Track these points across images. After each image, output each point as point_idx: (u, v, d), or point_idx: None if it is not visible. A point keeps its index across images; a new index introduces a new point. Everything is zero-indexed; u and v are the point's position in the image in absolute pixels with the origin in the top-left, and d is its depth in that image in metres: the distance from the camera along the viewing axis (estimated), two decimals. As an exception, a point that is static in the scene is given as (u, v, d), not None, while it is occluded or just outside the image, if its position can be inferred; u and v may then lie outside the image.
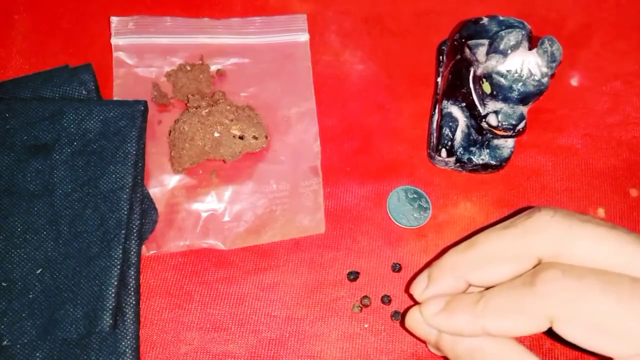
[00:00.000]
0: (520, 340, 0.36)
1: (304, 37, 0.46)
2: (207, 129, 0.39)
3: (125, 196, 0.38)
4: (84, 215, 0.37)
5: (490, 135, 0.39)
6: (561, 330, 0.27)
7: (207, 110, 0.40)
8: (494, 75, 0.35)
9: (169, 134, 0.41)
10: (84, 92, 0.42)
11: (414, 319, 0.33)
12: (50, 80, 0.42)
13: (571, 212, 0.30)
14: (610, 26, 0.48)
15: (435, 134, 0.42)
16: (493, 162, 0.40)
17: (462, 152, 0.40)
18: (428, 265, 0.35)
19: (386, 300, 0.39)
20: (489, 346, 0.30)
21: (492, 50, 0.35)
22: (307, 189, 0.41)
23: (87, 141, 0.39)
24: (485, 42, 0.36)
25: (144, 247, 0.39)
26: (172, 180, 0.41)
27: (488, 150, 0.40)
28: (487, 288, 0.31)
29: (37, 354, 0.34)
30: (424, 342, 0.36)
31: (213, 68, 0.44)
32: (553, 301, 0.27)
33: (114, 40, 0.44)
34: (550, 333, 0.28)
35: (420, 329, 0.33)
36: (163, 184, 0.40)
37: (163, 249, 0.39)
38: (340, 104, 0.44)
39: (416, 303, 0.34)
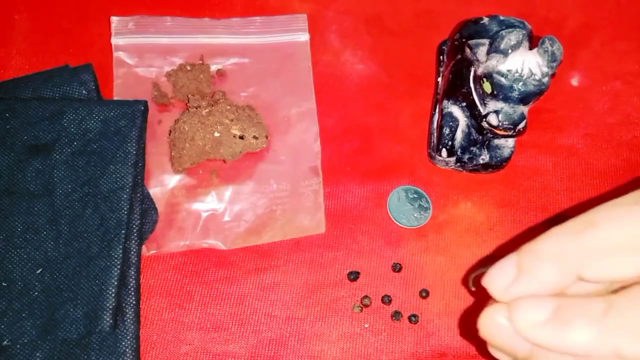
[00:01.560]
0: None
1: (304, 37, 0.46)
2: (207, 129, 0.39)
3: (125, 196, 0.38)
4: (84, 215, 0.37)
5: (491, 135, 0.39)
6: None
7: (207, 110, 0.40)
8: (495, 75, 0.35)
9: (169, 134, 0.41)
10: (84, 92, 0.42)
11: (496, 324, 0.24)
12: (50, 80, 0.42)
13: None
14: (610, 26, 0.48)
15: (435, 134, 0.42)
16: (493, 162, 0.40)
17: (462, 152, 0.40)
18: (489, 261, 0.28)
19: (386, 300, 0.39)
20: None
21: (493, 49, 0.35)
22: (307, 189, 0.41)
23: (87, 141, 0.39)
24: (486, 41, 0.36)
25: (144, 247, 0.39)
26: (172, 180, 0.41)
27: (488, 150, 0.40)
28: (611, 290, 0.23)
29: (37, 354, 0.34)
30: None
31: (213, 68, 0.44)
32: None
33: (114, 40, 0.44)
34: None
35: (503, 338, 0.24)
36: (163, 183, 0.40)
37: (163, 249, 0.39)
38: (340, 104, 0.44)
39: (480, 299, 0.27)
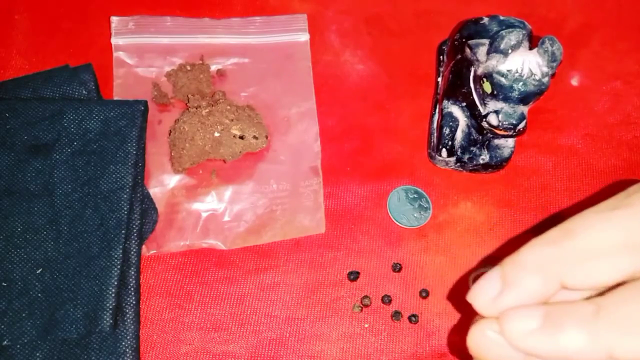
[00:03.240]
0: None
1: (304, 37, 0.46)
2: (207, 129, 0.39)
3: (125, 196, 0.38)
4: (84, 215, 0.37)
5: (491, 135, 0.39)
6: None
7: (207, 110, 0.40)
8: (495, 75, 0.35)
9: (169, 134, 0.41)
10: (84, 92, 0.42)
11: (485, 339, 0.24)
12: (50, 80, 0.42)
13: None
14: (610, 26, 0.48)
15: (435, 134, 0.42)
16: (493, 162, 0.40)
17: (462, 152, 0.40)
18: (481, 265, 0.28)
19: (386, 300, 0.39)
20: None
21: (493, 49, 0.35)
22: (308, 189, 0.41)
23: (87, 141, 0.39)
24: (486, 41, 0.36)
25: (144, 247, 0.39)
26: (172, 180, 0.41)
27: (488, 150, 0.40)
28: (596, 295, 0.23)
29: (37, 354, 0.34)
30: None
31: (213, 68, 0.44)
32: None
33: (114, 40, 0.44)
34: None
35: (495, 352, 0.24)
36: (163, 184, 0.40)
37: (163, 248, 0.39)
38: (340, 104, 0.44)
39: (465, 313, 0.27)
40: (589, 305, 0.22)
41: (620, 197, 0.24)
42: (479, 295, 0.24)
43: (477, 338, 0.24)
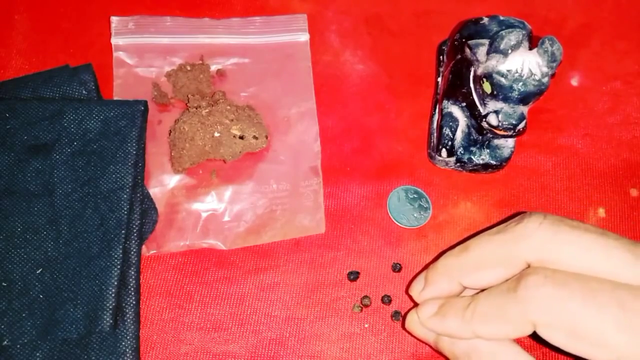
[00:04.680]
0: (521, 339, 0.36)
1: (304, 37, 0.46)
2: (207, 129, 0.39)
3: (125, 196, 0.38)
4: (84, 215, 0.37)
5: (491, 135, 0.39)
6: (544, 335, 0.28)
7: (207, 110, 0.40)
8: (495, 75, 0.35)
9: (169, 134, 0.41)
10: (84, 92, 0.42)
11: (412, 321, 0.34)
12: (50, 80, 0.42)
13: (562, 218, 0.30)
14: (610, 26, 0.48)
15: (435, 134, 0.42)
16: (493, 162, 0.40)
17: (462, 152, 0.40)
18: (427, 266, 0.35)
19: (386, 300, 0.39)
20: (484, 347, 0.30)
21: (493, 50, 0.35)
22: (307, 189, 0.41)
23: (87, 141, 0.39)
24: (486, 41, 0.36)
25: (144, 247, 0.39)
26: (172, 180, 0.41)
27: (488, 150, 0.40)
28: (482, 290, 0.31)
29: (37, 354, 0.34)
30: (425, 343, 0.36)
31: (213, 68, 0.44)
32: (534, 307, 0.27)
33: (114, 40, 0.44)
34: (538, 336, 0.28)
35: (418, 331, 0.34)
36: (163, 184, 0.40)
37: (163, 249, 0.39)
38: (340, 104, 0.44)
39: (416, 304, 0.34)
40: (466, 300, 0.31)
41: (502, 225, 0.31)
42: (412, 290, 0.35)
43: (408, 320, 0.34)
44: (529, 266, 0.29)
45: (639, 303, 0.26)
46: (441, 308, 0.32)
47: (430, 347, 0.35)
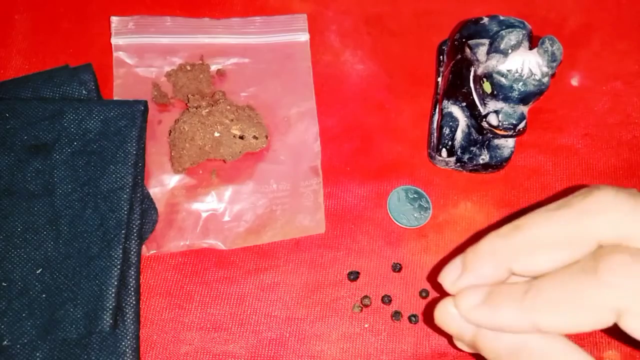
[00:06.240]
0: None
1: (304, 37, 0.46)
2: (207, 129, 0.39)
3: (125, 196, 0.38)
4: (84, 215, 0.37)
5: (491, 135, 0.39)
6: (631, 327, 0.23)
7: (207, 110, 0.40)
8: (495, 75, 0.35)
9: (169, 134, 0.41)
10: (84, 92, 0.42)
11: (446, 313, 0.28)
12: (50, 80, 0.42)
13: (635, 190, 0.26)
14: (610, 26, 0.48)
15: (435, 134, 0.42)
16: (493, 162, 0.40)
17: (462, 152, 0.40)
18: (441, 263, 0.32)
19: (386, 300, 0.39)
20: (536, 344, 0.26)
21: (493, 49, 0.35)
22: (307, 189, 0.41)
23: (87, 141, 0.39)
24: (486, 41, 0.36)
25: (144, 247, 0.39)
26: (172, 180, 0.41)
27: (488, 150, 0.40)
28: (534, 278, 0.27)
29: (37, 354, 0.34)
30: (449, 337, 0.32)
31: (213, 68, 0.44)
32: (622, 292, 0.23)
33: (114, 40, 0.44)
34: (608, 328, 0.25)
35: (453, 324, 0.28)
36: (163, 184, 0.40)
37: (163, 249, 0.39)
38: (340, 104, 0.44)
39: (442, 295, 0.30)
40: (522, 286, 0.26)
41: (564, 199, 0.27)
42: (446, 277, 0.29)
43: (440, 312, 0.29)
44: (599, 247, 0.25)
45: None
46: (491, 296, 0.26)
47: (455, 343, 0.31)
